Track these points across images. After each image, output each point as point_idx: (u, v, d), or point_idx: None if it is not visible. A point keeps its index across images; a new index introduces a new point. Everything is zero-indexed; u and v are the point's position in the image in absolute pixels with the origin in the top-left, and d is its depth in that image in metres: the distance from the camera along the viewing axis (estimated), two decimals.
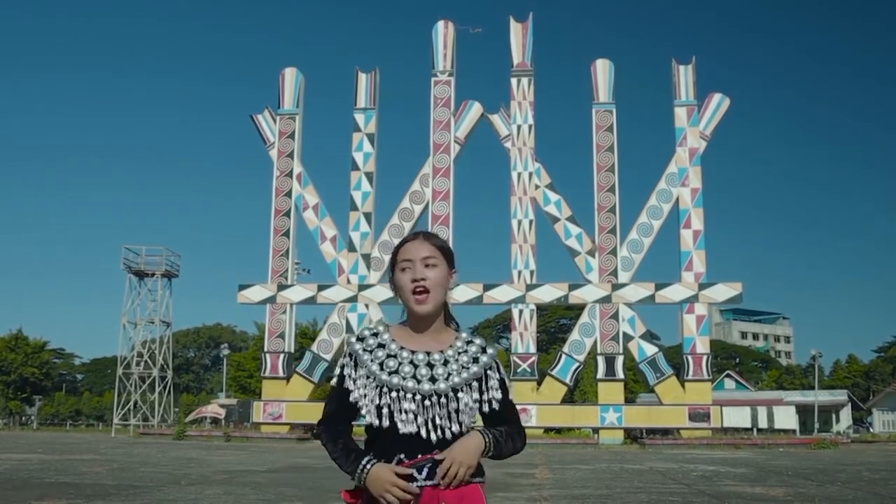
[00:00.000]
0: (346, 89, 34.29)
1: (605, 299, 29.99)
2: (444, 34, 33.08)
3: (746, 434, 39.29)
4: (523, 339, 30.14)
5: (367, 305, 30.88)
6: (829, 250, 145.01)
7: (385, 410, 2.03)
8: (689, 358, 29.45)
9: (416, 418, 2.02)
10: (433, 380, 2.05)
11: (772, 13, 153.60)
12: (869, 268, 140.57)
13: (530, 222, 31.00)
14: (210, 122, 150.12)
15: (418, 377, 2.06)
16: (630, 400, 37.51)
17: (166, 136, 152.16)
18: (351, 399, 2.08)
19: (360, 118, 32.95)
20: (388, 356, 2.09)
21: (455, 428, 2.04)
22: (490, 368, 2.13)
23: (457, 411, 2.05)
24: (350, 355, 2.12)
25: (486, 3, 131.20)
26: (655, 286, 30.16)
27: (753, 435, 39.19)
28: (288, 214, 32.50)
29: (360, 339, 2.14)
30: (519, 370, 29.53)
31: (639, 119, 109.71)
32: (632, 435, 29.50)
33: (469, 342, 2.15)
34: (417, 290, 2.09)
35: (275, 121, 33.41)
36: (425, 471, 2.01)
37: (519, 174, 31.50)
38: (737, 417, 43.31)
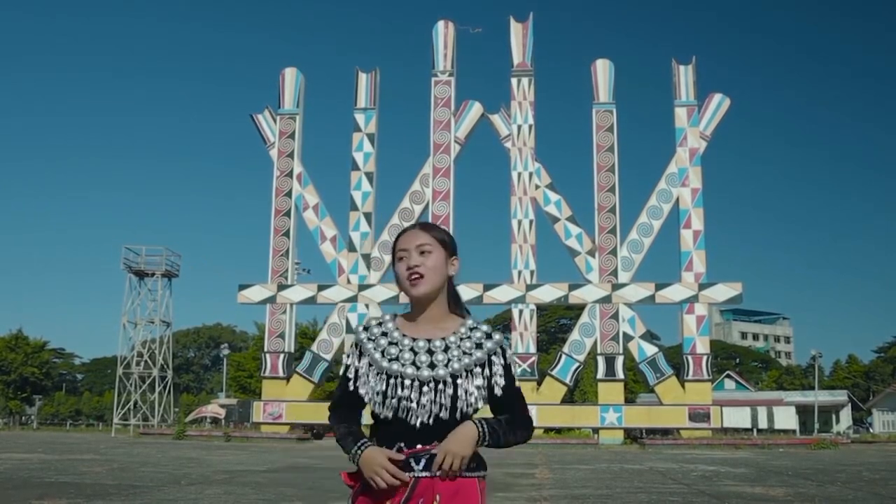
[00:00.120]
0: (347, 89, 34.37)
1: (605, 299, 29.99)
2: (444, 34, 33.09)
3: (746, 434, 39.31)
4: (523, 339, 30.15)
5: (367, 305, 30.88)
6: (829, 250, 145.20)
7: (384, 397, 2.05)
8: (689, 358, 29.45)
9: (415, 405, 2.02)
10: (432, 366, 2.05)
11: (772, 13, 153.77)
12: (869, 268, 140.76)
13: (530, 222, 31.01)
14: (210, 122, 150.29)
15: (418, 364, 2.06)
16: (630, 400, 37.52)
17: (166, 136, 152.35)
18: (353, 387, 2.11)
19: (360, 118, 32.96)
20: (391, 343, 2.11)
21: (454, 414, 2.03)
22: (494, 354, 2.10)
23: (455, 398, 2.03)
24: (356, 344, 2.16)
25: (486, 3, 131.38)
26: (655, 286, 30.16)
27: (753, 435, 39.20)
28: (288, 214, 32.50)
29: (366, 328, 2.18)
30: (519, 370, 29.45)
31: (639, 119, 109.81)
32: (632, 435, 29.49)
33: (473, 328, 2.13)
34: (412, 276, 2.10)
35: (275, 121, 33.42)
36: (423, 461, 2.01)
37: (519, 174, 31.51)
38: (737, 418, 43.32)
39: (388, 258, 27.41)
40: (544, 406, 29.07)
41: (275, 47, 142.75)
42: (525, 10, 48.99)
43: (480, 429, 2.01)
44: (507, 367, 2.12)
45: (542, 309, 38.60)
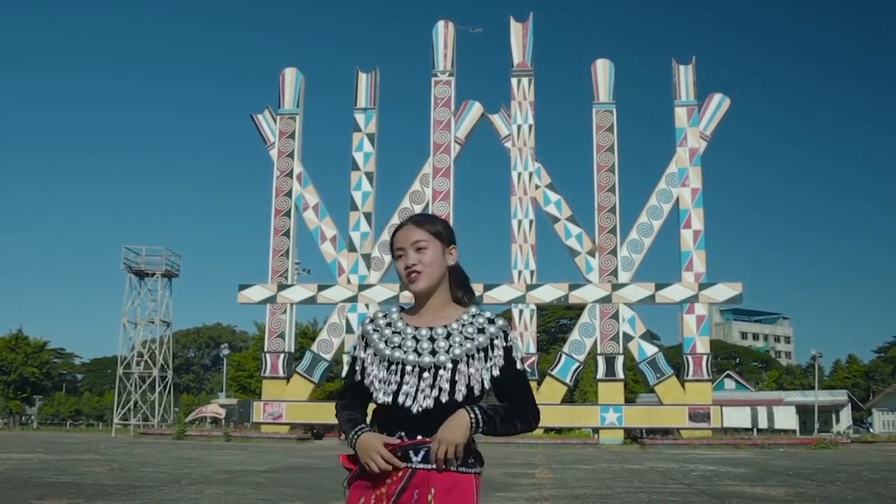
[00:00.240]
0: (347, 89, 34.37)
1: (606, 299, 30.00)
2: (444, 34, 33.10)
3: (746, 434, 39.31)
4: (523, 339, 30.13)
5: (367, 305, 30.88)
6: (829, 250, 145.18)
7: (386, 383, 2.07)
8: (689, 358, 29.46)
9: (415, 390, 2.04)
10: (434, 353, 2.07)
11: (772, 13, 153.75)
12: (869, 268, 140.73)
13: (530, 222, 31.01)
14: (210, 122, 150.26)
15: (419, 351, 2.08)
16: (630, 400, 37.53)
17: (166, 136, 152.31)
18: (360, 378, 2.14)
19: (360, 118, 32.97)
20: (394, 333, 2.14)
21: (457, 400, 2.03)
22: (496, 338, 2.10)
23: (455, 383, 2.03)
24: (362, 336, 2.19)
25: (486, 3, 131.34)
26: (655, 286, 30.17)
27: (753, 435, 39.20)
28: (288, 214, 32.51)
29: (372, 320, 2.22)
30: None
31: (639, 119, 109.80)
32: (632, 435, 29.49)
33: (476, 315, 2.14)
34: (410, 274, 2.13)
35: (275, 121, 33.42)
36: (421, 453, 2.01)
37: (519, 174, 31.51)
38: (737, 417, 43.31)
39: (388, 258, 27.46)
40: (544, 406, 28.59)
41: (275, 47, 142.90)
42: (525, 10, 49.03)
43: (472, 415, 2.00)
44: (508, 352, 2.10)
45: (542, 309, 38.62)
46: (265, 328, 33.21)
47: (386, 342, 2.12)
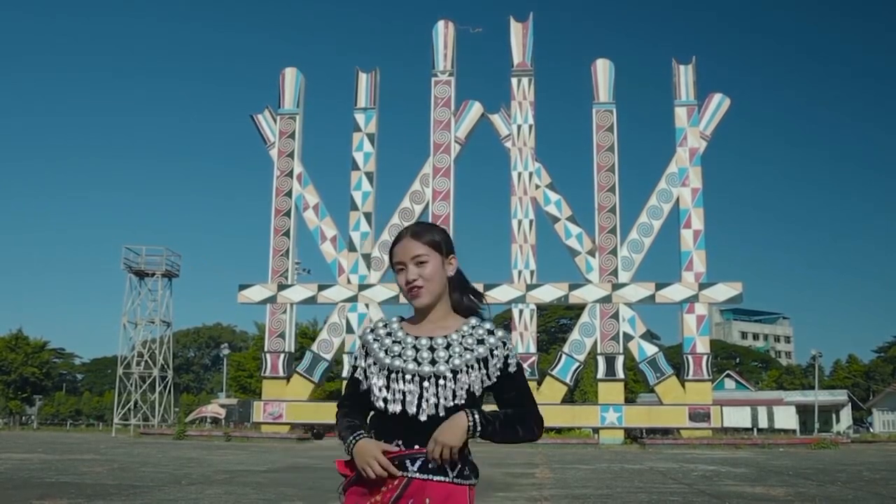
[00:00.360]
0: (347, 89, 34.38)
1: (606, 299, 30.00)
2: (444, 34, 33.10)
3: (746, 434, 39.29)
4: (523, 339, 30.14)
5: (367, 305, 30.89)
6: (829, 250, 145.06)
7: (385, 392, 2.08)
8: (690, 358, 29.46)
9: (414, 399, 2.04)
10: (433, 362, 2.08)
11: (772, 13, 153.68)
12: (869, 268, 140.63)
13: (530, 222, 31.01)
14: (210, 122, 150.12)
15: (419, 360, 2.09)
16: (630, 400, 37.53)
17: (166, 136, 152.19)
18: (361, 386, 2.15)
19: (360, 118, 32.97)
20: (394, 342, 2.15)
21: (454, 410, 2.03)
22: (496, 349, 2.11)
23: (455, 393, 2.04)
24: (362, 345, 2.20)
25: (486, 3, 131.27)
26: (656, 286, 30.17)
27: (753, 435, 39.18)
28: (288, 214, 32.51)
29: (372, 329, 2.23)
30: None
31: (639, 119, 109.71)
32: (632, 435, 29.50)
33: (476, 326, 2.15)
34: (412, 289, 2.14)
35: (275, 121, 33.43)
36: (418, 463, 2.02)
37: (519, 174, 31.51)
38: (737, 417, 43.31)
39: (388, 258, 27.45)
40: (544, 406, 28.78)
41: (275, 47, 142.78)
42: (525, 10, 49.02)
43: (471, 418, 2.00)
44: (508, 362, 2.11)
45: (542, 309, 38.62)
46: (265, 328, 33.22)
47: (386, 351, 2.13)
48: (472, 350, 2.09)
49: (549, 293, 30.68)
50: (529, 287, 30.46)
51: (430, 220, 28.40)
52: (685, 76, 31.89)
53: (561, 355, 30.51)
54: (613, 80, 32.02)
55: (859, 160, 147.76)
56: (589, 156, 31.54)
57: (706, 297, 29.91)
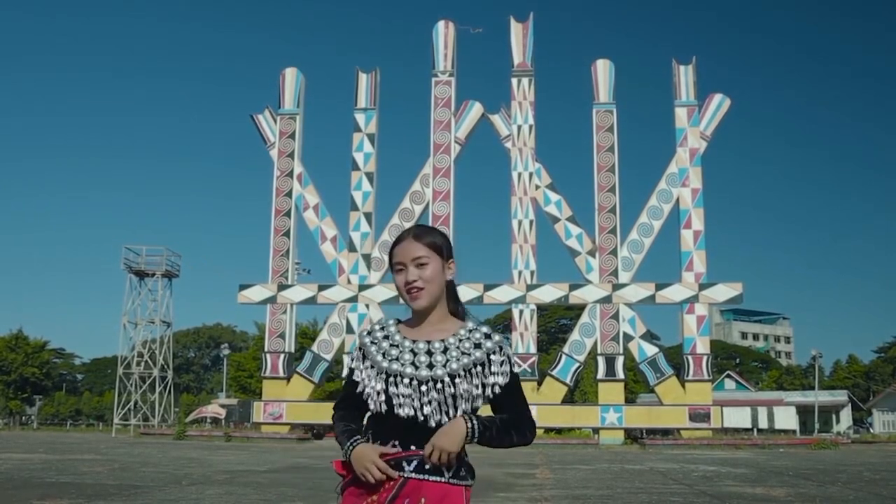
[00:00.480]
0: (347, 89, 34.41)
1: (606, 299, 30.01)
2: (444, 34, 33.11)
3: (747, 434, 39.32)
4: (524, 339, 30.15)
5: (367, 305, 30.89)
6: (829, 250, 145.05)
7: (383, 396, 2.08)
8: (690, 358, 29.47)
9: (411, 403, 2.05)
10: (431, 366, 2.08)
11: (772, 13, 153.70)
12: (869, 268, 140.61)
13: (531, 222, 31.02)
14: (210, 122, 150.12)
15: (417, 364, 2.09)
16: (630, 400, 37.53)
17: (166, 136, 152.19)
18: (357, 389, 2.15)
19: (360, 118, 32.98)
20: (392, 345, 2.15)
21: (451, 413, 2.05)
22: (493, 353, 2.12)
23: (454, 397, 2.06)
24: (359, 347, 2.20)
25: (486, 3, 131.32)
26: (656, 286, 30.18)
27: (754, 435, 39.21)
28: (288, 214, 32.52)
29: (369, 332, 2.23)
30: (519, 370, 29.43)
31: (639, 119, 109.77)
32: (632, 435, 29.50)
33: (473, 330, 2.16)
34: (411, 290, 2.14)
35: (275, 121, 33.44)
36: (414, 463, 2.04)
37: (519, 174, 31.52)
38: (737, 418, 43.32)
39: (387, 259, 27.42)
40: (544, 406, 29.06)
41: (275, 47, 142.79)
42: (525, 10, 49.00)
43: (470, 424, 2.02)
44: (503, 367, 2.13)
45: (542, 309, 38.62)
46: (265, 328, 33.23)
47: (383, 355, 2.14)
48: (470, 354, 2.10)
49: (549, 293, 30.68)
50: (529, 287, 30.46)
51: (430, 221, 28.11)
52: (685, 76, 31.90)
53: (561, 356, 30.51)
54: (613, 81, 32.04)
55: (859, 160, 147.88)
56: (589, 156, 31.59)
57: (706, 298, 29.91)
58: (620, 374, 29.63)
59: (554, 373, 30.03)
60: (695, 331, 29.68)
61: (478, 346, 2.12)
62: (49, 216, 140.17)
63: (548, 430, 29.48)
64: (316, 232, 32.25)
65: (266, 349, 31.93)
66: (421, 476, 2.03)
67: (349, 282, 31.46)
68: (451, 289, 2.23)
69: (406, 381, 2.07)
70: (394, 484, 2.02)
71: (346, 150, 33.08)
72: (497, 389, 2.10)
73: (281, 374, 31.04)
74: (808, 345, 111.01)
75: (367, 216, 32.15)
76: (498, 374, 2.11)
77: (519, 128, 31.94)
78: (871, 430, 52.89)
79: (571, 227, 30.92)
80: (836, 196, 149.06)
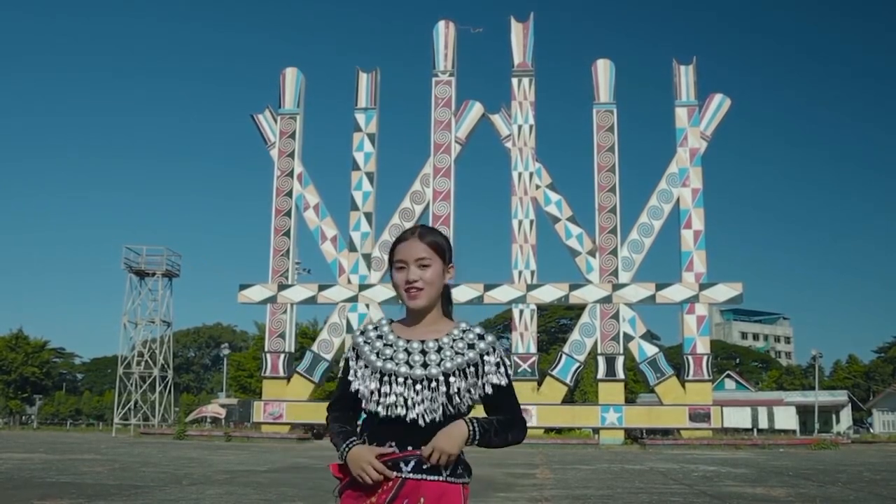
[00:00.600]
0: (347, 89, 34.40)
1: (606, 299, 30.01)
2: (444, 34, 33.11)
3: (747, 434, 39.30)
4: (524, 339, 30.15)
5: (367, 305, 30.89)
6: (829, 250, 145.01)
7: (378, 395, 2.09)
8: (690, 358, 29.47)
9: (406, 402, 2.06)
10: (425, 366, 2.10)
11: (772, 13, 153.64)
12: (869, 268, 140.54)
13: (531, 222, 31.02)
14: (210, 122, 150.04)
15: (411, 363, 2.11)
16: (630, 400, 37.52)
17: (166, 136, 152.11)
18: (351, 389, 2.15)
19: (360, 118, 32.98)
20: (386, 345, 2.16)
21: (446, 413, 2.06)
22: (487, 354, 2.13)
23: (448, 396, 2.07)
24: (353, 347, 2.21)
25: (486, 3, 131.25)
26: (656, 286, 30.18)
27: (754, 435, 39.20)
28: (289, 214, 32.52)
29: (362, 332, 2.24)
30: (519, 370, 29.53)
31: (639, 119, 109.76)
32: (632, 435, 29.50)
33: (466, 330, 2.17)
34: (411, 290, 2.15)
35: (276, 120, 33.44)
36: (412, 463, 2.05)
37: (520, 174, 31.52)
38: (737, 418, 43.30)
39: (387, 256, 27.42)
40: (545, 406, 29.10)
41: (275, 47, 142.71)
42: (525, 10, 48.92)
43: (471, 427, 2.03)
44: (498, 367, 2.14)
45: (542, 309, 38.62)
46: (265, 328, 33.23)
47: (377, 354, 2.15)
48: (463, 354, 2.12)
49: (549, 293, 30.68)
50: (530, 287, 30.46)
51: (430, 221, 28.03)
52: (686, 76, 31.89)
53: (561, 355, 30.51)
54: (614, 81, 32.04)
55: (859, 160, 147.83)
56: (589, 156, 31.59)
57: (706, 298, 29.91)
58: (620, 374, 29.63)
59: (554, 373, 30.03)
60: (695, 331, 29.68)
61: (471, 346, 2.14)
62: (49, 216, 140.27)
63: (548, 430, 29.50)
64: (316, 232, 32.26)
65: (266, 349, 31.94)
66: (419, 476, 2.04)
67: (349, 282, 31.46)
68: (446, 292, 2.25)
69: (401, 380, 2.08)
70: (392, 485, 2.03)
71: (347, 150, 33.14)
72: (490, 389, 2.12)
73: (281, 373, 31.05)
74: (808, 345, 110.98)
75: (368, 216, 32.15)
76: (491, 374, 2.12)
77: (519, 128, 31.94)
78: (871, 431, 52.88)
79: (572, 227, 30.92)
80: (836, 196, 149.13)
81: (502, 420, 2.12)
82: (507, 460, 16.44)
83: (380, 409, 2.08)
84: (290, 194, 32.66)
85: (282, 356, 31.14)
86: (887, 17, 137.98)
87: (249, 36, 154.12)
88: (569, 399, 35.97)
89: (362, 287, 31.24)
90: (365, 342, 2.19)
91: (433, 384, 2.07)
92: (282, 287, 31.76)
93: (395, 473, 2.03)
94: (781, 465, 17.08)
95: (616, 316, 29.90)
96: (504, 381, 2.14)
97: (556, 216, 31.10)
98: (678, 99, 31.75)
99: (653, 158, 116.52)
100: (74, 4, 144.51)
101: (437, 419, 2.05)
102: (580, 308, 31.48)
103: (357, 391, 2.13)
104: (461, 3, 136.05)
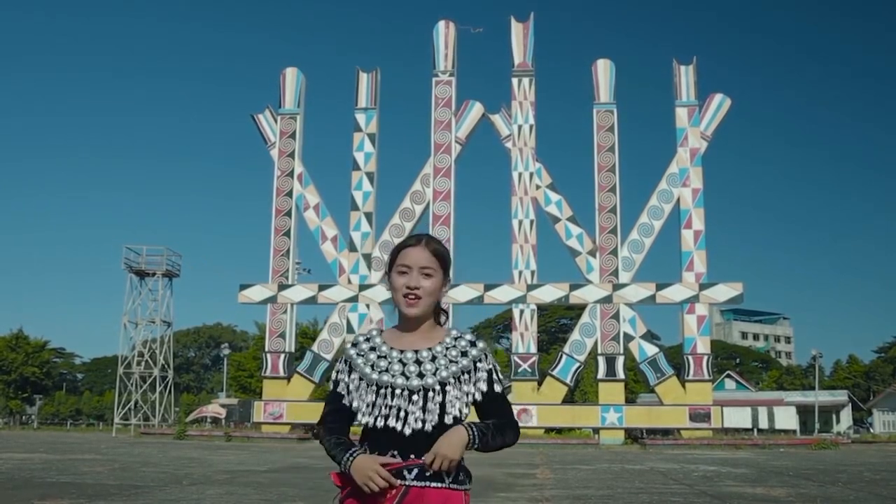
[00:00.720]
0: (347, 89, 34.38)
1: (606, 299, 30.00)
2: (444, 34, 33.10)
3: (747, 434, 39.27)
4: (524, 339, 30.15)
5: (367, 305, 30.89)
6: (829, 250, 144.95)
7: (376, 408, 2.10)
8: (690, 358, 29.46)
9: (405, 414, 2.08)
10: (421, 376, 2.11)
11: (772, 13, 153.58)
12: (869, 268, 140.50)
13: (531, 222, 31.02)
14: (210, 122, 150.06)
15: (407, 374, 2.12)
16: (630, 400, 37.51)
17: (166, 136, 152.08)
18: (345, 402, 2.16)
19: (360, 118, 32.97)
20: (379, 357, 2.17)
21: (446, 420, 2.08)
22: (479, 360, 2.16)
23: (442, 405, 2.09)
24: (345, 360, 2.22)
25: (486, 3, 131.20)
26: (656, 286, 30.17)
27: (754, 435, 39.18)
28: (289, 214, 32.52)
29: (354, 344, 2.25)
30: (519, 370, 29.54)
31: (640, 119, 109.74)
32: (632, 435, 29.51)
33: (458, 338, 2.19)
34: (410, 296, 2.16)
35: (276, 120, 33.43)
36: (415, 472, 2.06)
37: (520, 174, 31.51)
38: (737, 418, 43.25)
39: (388, 258, 27.44)
40: (545, 406, 29.10)
41: (275, 47, 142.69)
42: (526, 10, 48.88)
43: (471, 433, 2.06)
44: (491, 373, 2.17)
45: (542, 309, 38.61)
46: (265, 328, 33.23)
47: (372, 366, 2.15)
48: (457, 362, 2.14)
49: (549, 293, 30.68)
50: (530, 287, 30.46)
51: (430, 220, 27.98)
52: (686, 76, 31.89)
53: (561, 355, 30.51)
54: (614, 81, 32.03)
55: (859, 160, 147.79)
56: (589, 156, 31.58)
57: (707, 298, 29.91)
58: (621, 374, 29.63)
59: (554, 373, 30.02)
60: (695, 331, 29.67)
61: (464, 353, 2.17)
62: (49, 216, 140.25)
63: (548, 430, 29.49)
64: (316, 232, 32.26)
65: (266, 349, 31.94)
66: (422, 483, 2.06)
67: (349, 282, 31.46)
68: (438, 303, 2.27)
69: (398, 391, 2.10)
70: (396, 493, 2.05)
71: (347, 150, 33.12)
72: (479, 396, 2.14)
73: (281, 373, 31.05)
74: (809, 345, 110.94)
75: (368, 216, 32.14)
76: (483, 380, 2.16)
77: (519, 128, 31.94)
78: (872, 430, 52.87)
79: (572, 227, 30.92)
80: (836, 196, 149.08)
81: (497, 424, 2.15)
82: (508, 460, 16.44)
83: (379, 422, 2.09)
84: (290, 194, 32.66)
85: (282, 356, 31.14)
86: (887, 17, 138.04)
87: (249, 36, 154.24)
88: (569, 399, 35.97)
89: (362, 287, 31.23)
90: (358, 354, 2.20)
91: (430, 393, 2.09)
92: (282, 287, 31.76)
93: (399, 482, 2.05)
94: (782, 465, 17.08)
95: (616, 316, 29.90)
96: (498, 388, 2.18)
97: (557, 216, 31.10)
98: (678, 99, 31.74)
99: (653, 158, 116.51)
100: (74, 4, 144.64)
101: (436, 427, 2.07)
102: (580, 308, 31.47)
103: (350, 404, 2.15)
104: (461, 3, 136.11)
